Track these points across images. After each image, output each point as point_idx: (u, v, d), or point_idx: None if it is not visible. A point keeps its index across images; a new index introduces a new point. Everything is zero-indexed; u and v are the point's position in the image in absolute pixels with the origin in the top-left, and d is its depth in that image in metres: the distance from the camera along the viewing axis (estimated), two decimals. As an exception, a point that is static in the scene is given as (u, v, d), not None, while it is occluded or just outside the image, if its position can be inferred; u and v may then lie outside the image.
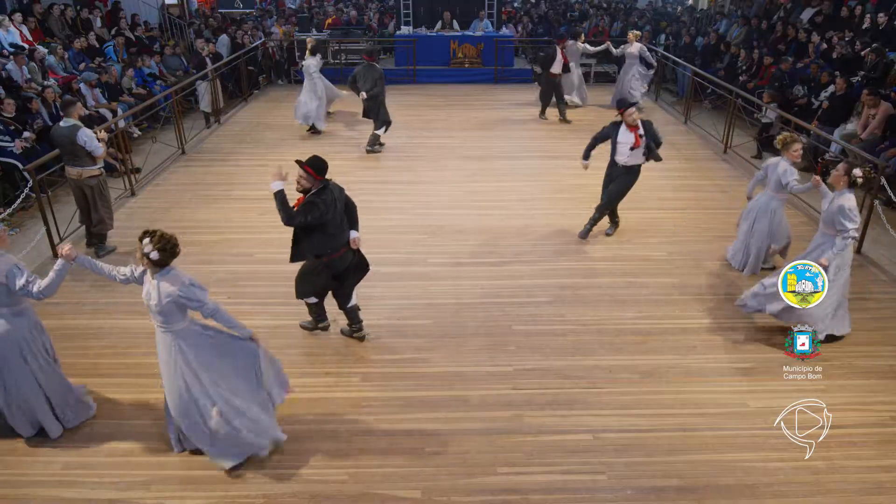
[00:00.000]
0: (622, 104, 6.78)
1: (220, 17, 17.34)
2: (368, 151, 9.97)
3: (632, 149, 6.66)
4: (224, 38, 14.31)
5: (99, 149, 6.45)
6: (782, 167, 5.96)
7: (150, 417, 4.54)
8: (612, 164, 6.90)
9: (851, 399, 4.75)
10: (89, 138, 6.33)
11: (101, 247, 6.84)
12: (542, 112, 11.85)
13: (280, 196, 4.78)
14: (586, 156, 6.99)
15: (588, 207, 7.29)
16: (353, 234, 5.06)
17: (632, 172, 6.85)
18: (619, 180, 6.89)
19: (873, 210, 6.86)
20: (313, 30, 15.89)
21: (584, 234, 7.13)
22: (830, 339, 5.30)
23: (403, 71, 14.56)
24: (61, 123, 6.41)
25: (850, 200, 5.04)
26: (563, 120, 11.63)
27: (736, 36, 14.10)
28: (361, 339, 5.40)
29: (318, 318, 5.49)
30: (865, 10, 11.58)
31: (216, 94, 11.52)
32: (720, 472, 4.13)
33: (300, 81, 11.16)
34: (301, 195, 4.87)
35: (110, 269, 4.03)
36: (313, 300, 5.35)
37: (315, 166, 4.87)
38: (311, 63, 10.66)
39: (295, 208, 4.79)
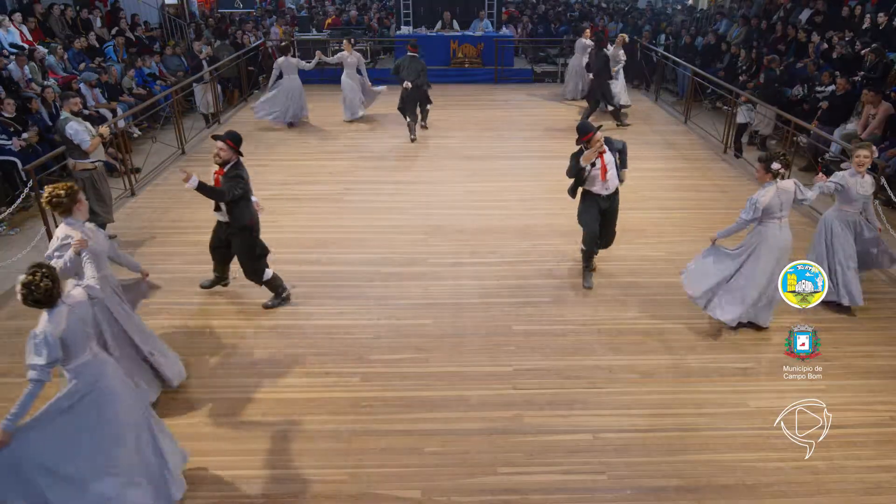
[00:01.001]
0: (584, 130, 5.78)
1: (218, 17, 17.34)
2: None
3: (607, 174, 5.87)
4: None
5: (86, 142, 6.55)
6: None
7: (150, 417, 4.54)
8: (592, 198, 6.01)
9: (851, 399, 4.75)
10: (75, 131, 6.48)
11: None
12: (620, 118, 11.57)
13: (202, 186, 5.08)
14: (574, 195, 6.16)
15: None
16: (253, 198, 5.62)
17: (617, 197, 6.12)
18: (612, 214, 6.13)
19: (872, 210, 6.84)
20: (313, 30, 15.89)
21: (591, 283, 6.24)
22: (752, 326, 5.51)
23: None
24: (61, 117, 6.67)
25: (761, 194, 5.14)
26: (621, 124, 11.56)
27: (736, 36, 14.11)
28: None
29: (282, 289, 5.88)
30: (865, 10, 11.58)
31: (214, 96, 11.53)
32: (720, 472, 4.13)
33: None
34: (219, 168, 5.33)
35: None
36: (270, 274, 5.76)
37: (235, 138, 5.49)
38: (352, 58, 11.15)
39: (216, 184, 5.26)
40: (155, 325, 5.54)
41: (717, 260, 5.47)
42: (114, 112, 10.15)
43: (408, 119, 10.47)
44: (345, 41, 11.62)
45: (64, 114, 6.59)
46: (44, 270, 3.36)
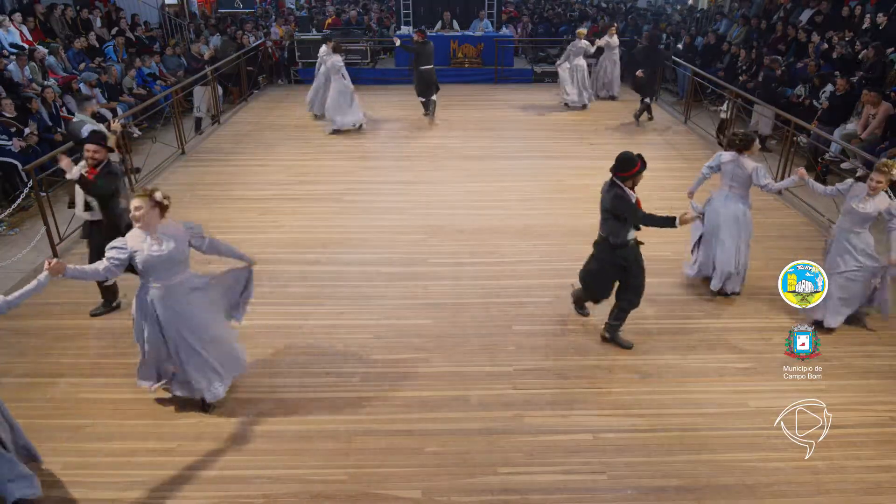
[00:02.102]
0: (630, 162, 4.77)
1: (217, 17, 17.33)
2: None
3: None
4: (217, 38, 14.31)
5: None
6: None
7: (151, 417, 4.54)
8: (622, 246, 5.07)
9: (851, 399, 4.75)
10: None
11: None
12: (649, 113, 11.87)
13: (83, 179, 5.26)
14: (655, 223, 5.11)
15: (588, 207, 7.25)
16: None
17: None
18: (639, 263, 5.22)
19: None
20: (313, 30, 15.88)
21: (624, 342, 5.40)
22: (725, 294, 5.93)
23: (404, 71, 14.55)
24: (74, 119, 6.70)
25: (725, 154, 5.81)
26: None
27: (736, 36, 14.11)
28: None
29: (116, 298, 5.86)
30: (865, 10, 11.58)
31: (215, 97, 11.52)
32: (720, 472, 4.13)
33: (300, 81, 11.19)
34: (93, 168, 5.32)
35: (95, 269, 4.06)
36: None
37: (103, 138, 5.58)
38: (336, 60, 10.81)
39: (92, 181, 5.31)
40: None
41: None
42: (114, 112, 10.14)
43: (431, 98, 11.21)
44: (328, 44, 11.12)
45: (80, 116, 6.58)
46: None
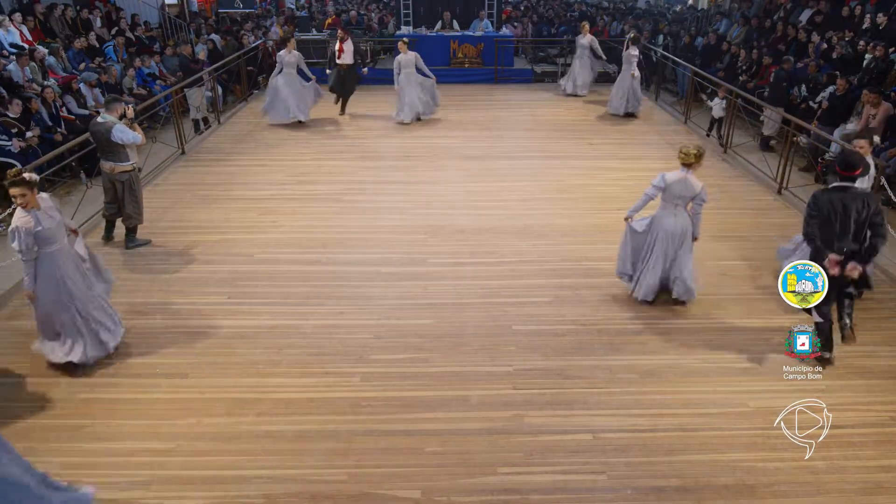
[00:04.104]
0: (854, 164, 4.70)
1: (216, 17, 17.34)
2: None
3: None
4: (215, 37, 14.30)
5: (137, 137, 6.58)
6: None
7: (150, 417, 4.54)
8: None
9: (851, 399, 4.75)
10: (123, 132, 6.45)
11: (131, 239, 6.92)
12: None
13: None
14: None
15: (587, 207, 7.28)
16: None
17: None
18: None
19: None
20: (313, 30, 15.89)
21: None
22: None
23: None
24: (99, 119, 6.57)
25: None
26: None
27: (736, 36, 14.11)
28: None
29: None
30: (865, 10, 11.58)
31: (215, 97, 11.51)
32: (720, 472, 4.13)
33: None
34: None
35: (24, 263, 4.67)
36: None
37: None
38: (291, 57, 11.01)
39: None
40: (154, 324, 5.56)
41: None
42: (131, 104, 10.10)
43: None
44: (291, 39, 11.45)
45: (108, 117, 6.48)
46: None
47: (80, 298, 4.83)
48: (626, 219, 5.83)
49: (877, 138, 5.42)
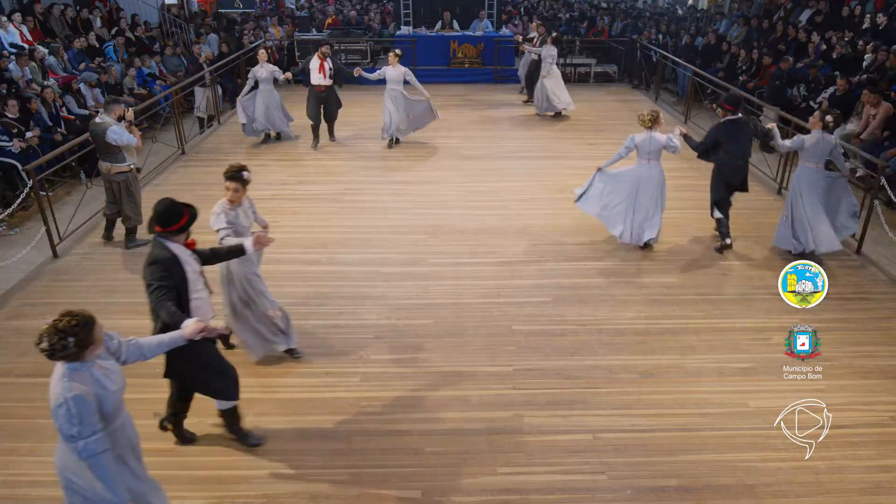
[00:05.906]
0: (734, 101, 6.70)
1: (215, 18, 17.32)
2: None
3: None
4: (213, 36, 14.29)
5: (132, 139, 6.60)
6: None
7: (151, 417, 4.53)
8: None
9: (851, 399, 4.76)
10: (118, 134, 6.47)
11: (131, 239, 6.94)
12: None
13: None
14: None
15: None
16: None
17: None
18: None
19: (873, 210, 6.86)
20: (313, 30, 15.88)
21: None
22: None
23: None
24: (97, 119, 6.60)
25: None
26: None
27: (736, 36, 14.11)
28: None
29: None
30: (865, 10, 11.58)
31: (214, 98, 11.51)
32: (720, 472, 4.13)
33: (300, 82, 11.00)
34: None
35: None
36: None
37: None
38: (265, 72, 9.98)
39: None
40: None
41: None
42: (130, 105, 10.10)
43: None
44: (261, 51, 10.24)
45: (104, 118, 6.51)
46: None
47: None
48: (598, 168, 6.94)
49: (829, 118, 6.44)
